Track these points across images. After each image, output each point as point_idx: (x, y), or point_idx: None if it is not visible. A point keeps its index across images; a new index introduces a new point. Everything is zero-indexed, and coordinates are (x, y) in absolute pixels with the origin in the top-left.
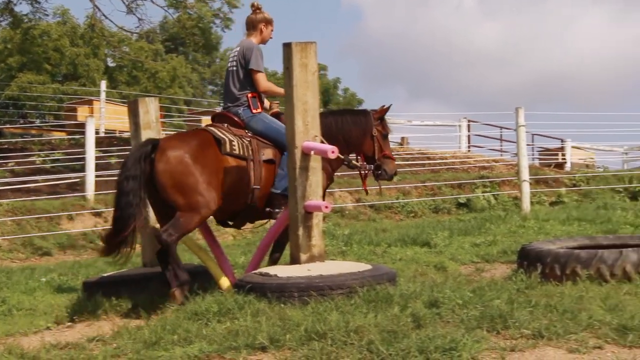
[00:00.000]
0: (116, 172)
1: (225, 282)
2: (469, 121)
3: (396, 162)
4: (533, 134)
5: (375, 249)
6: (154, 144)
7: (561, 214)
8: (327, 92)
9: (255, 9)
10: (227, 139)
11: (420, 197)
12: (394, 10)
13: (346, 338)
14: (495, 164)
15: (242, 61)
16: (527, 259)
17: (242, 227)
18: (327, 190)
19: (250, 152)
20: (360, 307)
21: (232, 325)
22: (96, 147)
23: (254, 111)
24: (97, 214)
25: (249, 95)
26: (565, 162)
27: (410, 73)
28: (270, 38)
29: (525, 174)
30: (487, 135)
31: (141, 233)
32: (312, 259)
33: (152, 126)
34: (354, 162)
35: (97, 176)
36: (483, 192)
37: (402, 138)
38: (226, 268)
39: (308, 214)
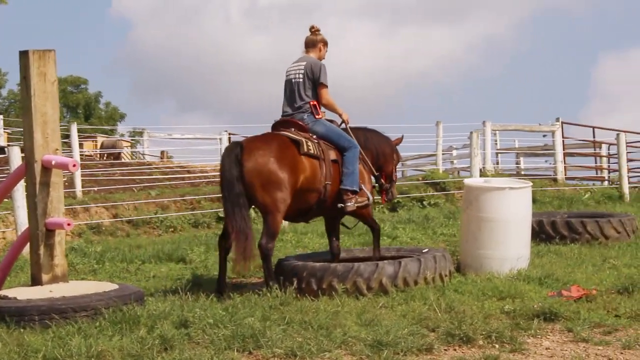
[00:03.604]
0: None
1: None
2: (229, 134)
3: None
4: None
5: (129, 267)
6: (241, 145)
7: (320, 227)
8: (88, 106)
9: (315, 30)
10: (303, 140)
11: (179, 212)
12: (163, 21)
13: None
14: None
15: (309, 74)
16: (283, 273)
17: (310, 221)
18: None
19: (321, 151)
20: (106, 330)
21: None
22: None
23: (316, 117)
24: None
25: (311, 103)
26: None
27: (181, 85)
28: (324, 58)
29: None
30: None
31: None
32: (54, 280)
33: None
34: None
35: None
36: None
37: (162, 152)
38: None
39: (49, 231)
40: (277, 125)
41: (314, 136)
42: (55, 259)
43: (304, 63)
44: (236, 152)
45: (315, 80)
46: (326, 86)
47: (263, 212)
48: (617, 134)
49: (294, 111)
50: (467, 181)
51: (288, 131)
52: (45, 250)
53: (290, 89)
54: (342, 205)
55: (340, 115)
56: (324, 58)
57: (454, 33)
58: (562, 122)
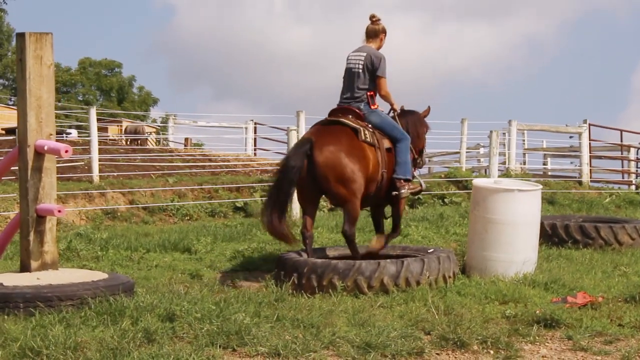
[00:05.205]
0: None
1: None
2: (255, 123)
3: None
4: None
5: (133, 255)
6: (311, 142)
7: (331, 221)
8: (121, 89)
9: (376, 20)
10: (361, 128)
11: (196, 200)
12: (206, 9)
13: (63, 356)
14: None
15: (369, 65)
16: (284, 268)
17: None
18: None
19: (376, 140)
20: (90, 320)
21: None
22: None
23: (372, 107)
24: None
25: (368, 93)
26: None
27: (219, 73)
28: (382, 47)
29: None
30: (272, 138)
31: None
32: (43, 267)
33: None
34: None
35: None
36: (261, 197)
37: (186, 139)
38: None
39: (40, 217)
40: (335, 112)
41: (369, 125)
42: (45, 246)
43: (364, 54)
44: (305, 149)
45: (374, 72)
46: (385, 78)
47: (341, 202)
48: None
49: (352, 100)
50: (475, 181)
51: (346, 118)
52: (35, 236)
53: (350, 78)
54: (397, 192)
55: (392, 107)
56: (382, 46)
57: (495, 31)
58: (590, 124)
